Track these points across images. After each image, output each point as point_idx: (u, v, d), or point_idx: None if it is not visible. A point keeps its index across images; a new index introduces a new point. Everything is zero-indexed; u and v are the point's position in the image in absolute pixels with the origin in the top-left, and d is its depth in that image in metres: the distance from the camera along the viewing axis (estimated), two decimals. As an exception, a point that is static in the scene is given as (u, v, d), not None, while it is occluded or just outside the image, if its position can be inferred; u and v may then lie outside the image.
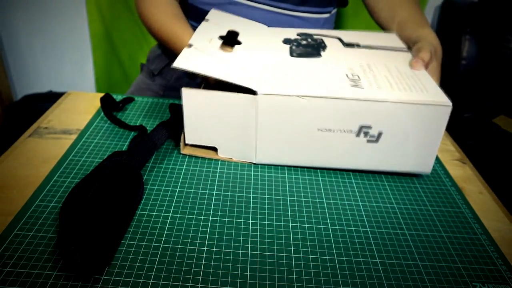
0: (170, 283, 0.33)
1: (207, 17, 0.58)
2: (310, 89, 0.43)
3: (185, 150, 0.49)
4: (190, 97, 0.44)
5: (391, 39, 0.60)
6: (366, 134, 0.45)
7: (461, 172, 0.52)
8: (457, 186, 0.49)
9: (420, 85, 0.46)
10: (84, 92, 0.60)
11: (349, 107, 0.43)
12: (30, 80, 1.55)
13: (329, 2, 0.70)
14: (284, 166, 0.49)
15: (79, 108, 0.57)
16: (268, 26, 0.60)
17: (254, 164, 0.49)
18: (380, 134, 0.45)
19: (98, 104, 0.58)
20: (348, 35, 0.60)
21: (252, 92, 0.43)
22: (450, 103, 0.43)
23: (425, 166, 0.48)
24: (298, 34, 0.59)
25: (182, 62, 0.44)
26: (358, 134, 0.45)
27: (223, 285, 0.33)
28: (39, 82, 1.55)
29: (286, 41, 0.56)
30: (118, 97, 0.58)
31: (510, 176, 1.07)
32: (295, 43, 0.55)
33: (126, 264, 0.34)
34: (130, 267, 0.34)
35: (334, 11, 0.74)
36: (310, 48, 0.54)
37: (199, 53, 0.46)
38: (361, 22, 1.29)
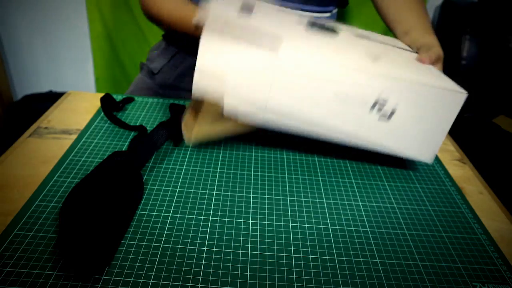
0: (170, 283, 0.33)
1: None
2: (332, 57, 0.43)
3: (194, 132, 0.47)
4: (210, 43, 0.42)
5: (397, 41, 0.60)
6: (379, 110, 0.45)
7: (461, 172, 0.52)
8: (457, 186, 0.49)
9: (435, 74, 0.47)
10: (84, 92, 0.60)
11: (369, 80, 0.43)
12: (30, 80, 1.55)
13: (330, 2, 0.70)
14: (289, 127, 0.46)
15: (79, 108, 0.57)
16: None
17: (260, 124, 0.46)
18: (392, 113, 0.45)
19: (98, 104, 0.58)
20: (355, 30, 0.60)
21: (273, 49, 0.42)
22: (465, 91, 0.44)
23: (428, 155, 0.48)
24: (308, 21, 0.58)
25: (210, 30, 0.43)
26: (372, 108, 0.44)
27: (223, 285, 0.33)
28: (39, 82, 1.55)
29: (298, 20, 0.55)
30: (118, 97, 0.58)
31: (510, 176, 1.07)
32: (310, 22, 0.55)
33: (126, 264, 0.34)
34: (130, 267, 0.34)
35: (335, 10, 0.74)
36: (324, 28, 0.53)
37: (222, 19, 0.45)
38: (361, 23, 1.29)
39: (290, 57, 0.42)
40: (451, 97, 0.44)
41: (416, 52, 0.55)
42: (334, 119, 0.46)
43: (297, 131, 0.47)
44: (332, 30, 0.54)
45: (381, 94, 0.44)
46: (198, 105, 0.46)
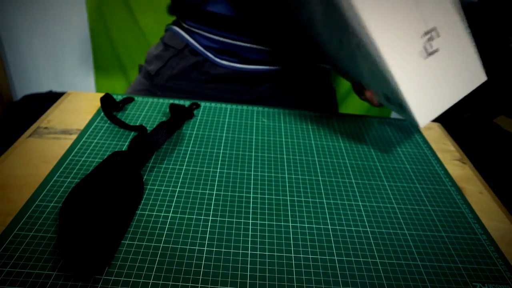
0: (170, 283, 0.33)
1: None
2: None
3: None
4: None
5: None
6: (429, 40, 0.43)
7: (461, 172, 0.52)
8: (457, 186, 0.49)
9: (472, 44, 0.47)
10: (84, 92, 0.60)
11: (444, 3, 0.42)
12: (30, 80, 1.55)
13: None
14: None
15: (79, 108, 0.57)
16: None
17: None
18: (434, 52, 0.43)
19: (98, 104, 0.58)
20: None
21: None
22: (486, 77, 0.45)
23: (424, 116, 0.45)
24: None
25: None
26: (425, 34, 0.42)
27: (223, 285, 0.33)
28: (39, 82, 1.55)
29: None
30: (118, 97, 0.58)
31: (510, 176, 1.07)
32: None
33: (126, 264, 0.34)
34: (130, 267, 0.34)
35: None
36: None
37: None
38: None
39: None
40: (477, 71, 0.45)
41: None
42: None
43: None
44: None
45: (441, 28, 0.42)
46: None
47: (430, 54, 0.43)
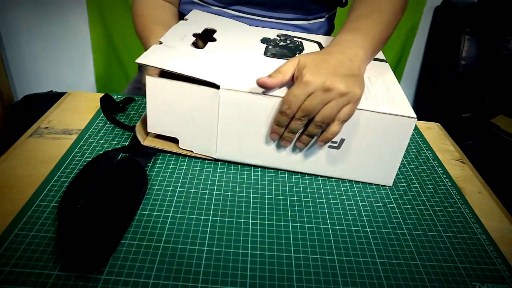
0: (170, 283, 0.33)
1: (186, 16, 0.57)
2: (275, 89, 0.42)
3: (146, 142, 0.48)
4: (154, 85, 0.44)
5: None
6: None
7: (461, 172, 0.52)
8: (457, 186, 0.49)
9: (389, 96, 0.45)
10: (84, 92, 0.61)
11: None
12: (30, 80, 1.55)
13: (320, 9, 0.69)
14: (244, 164, 0.48)
15: (80, 108, 0.57)
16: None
17: (214, 160, 0.48)
18: (342, 141, 0.44)
19: (98, 104, 0.58)
20: (328, 41, 0.59)
21: (216, 86, 0.42)
22: (415, 116, 0.42)
23: (386, 179, 0.47)
24: (278, 35, 0.58)
25: (146, 57, 0.43)
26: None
27: (223, 285, 0.33)
28: (39, 82, 1.55)
29: (264, 40, 0.56)
30: (118, 98, 0.58)
31: (509, 176, 1.07)
32: (272, 43, 0.55)
33: (126, 264, 0.34)
34: (130, 267, 0.34)
35: (328, 15, 0.74)
36: (286, 50, 0.53)
37: (166, 49, 0.46)
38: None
39: (229, 95, 0.42)
40: (400, 123, 0.43)
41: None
42: (285, 153, 0.46)
43: (249, 163, 0.48)
44: (294, 50, 0.53)
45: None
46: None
47: (341, 143, 0.45)
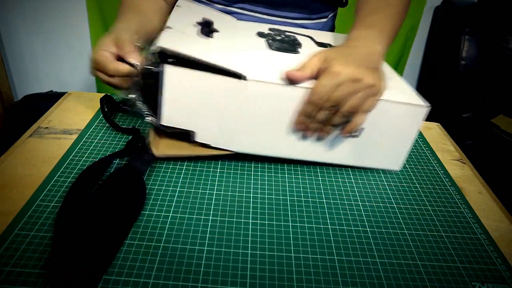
0: (170, 283, 0.33)
1: (178, 3, 0.56)
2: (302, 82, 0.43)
3: (159, 151, 0.46)
4: (173, 74, 0.41)
5: None
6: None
7: (461, 172, 0.52)
8: (457, 186, 0.49)
9: (398, 88, 0.47)
10: (84, 92, 0.61)
11: None
12: (30, 80, 1.55)
13: (324, 9, 0.70)
14: (261, 155, 0.48)
15: (80, 108, 0.57)
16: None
17: (232, 152, 0.47)
18: (362, 130, 0.46)
19: (98, 104, 0.58)
20: (319, 35, 0.60)
21: (241, 77, 0.42)
22: (426, 104, 0.45)
23: (396, 164, 0.50)
24: (270, 29, 0.59)
25: (168, 43, 0.41)
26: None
27: (223, 285, 0.33)
28: (39, 82, 1.55)
29: (260, 34, 0.56)
30: (118, 97, 0.58)
31: (509, 176, 1.07)
32: (270, 38, 0.55)
33: (126, 264, 0.34)
34: (130, 267, 0.34)
35: (331, 14, 0.74)
36: (286, 44, 0.54)
37: (181, 35, 0.44)
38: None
39: (256, 87, 0.42)
40: (413, 111, 0.45)
41: None
42: (305, 143, 0.46)
43: (268, 154, 0.48)
44: (293, 45, 0.54)
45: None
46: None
47: (361, 132, 0.46)
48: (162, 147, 0.46)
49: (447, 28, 1.38)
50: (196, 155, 0.47)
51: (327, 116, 0.42)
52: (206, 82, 0.42)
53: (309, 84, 0.42)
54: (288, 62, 0.47)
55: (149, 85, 0.43)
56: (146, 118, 0.45)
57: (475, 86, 1.33)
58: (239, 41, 0.51)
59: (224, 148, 0.47)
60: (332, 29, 0.75)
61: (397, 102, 0.44)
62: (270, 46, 0.52)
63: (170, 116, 0.44)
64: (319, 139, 0.46)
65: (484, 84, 1.33)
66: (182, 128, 0.45)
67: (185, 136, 0.46)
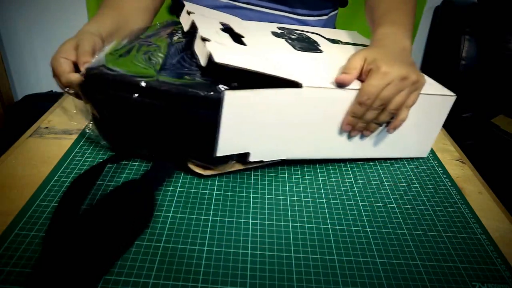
0: (170, 283, 0.33)
1: (188, 9, 0.53)
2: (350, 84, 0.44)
3: (206, 172, 0.44)
4: (233, 99, 0.37)
5: (357, 36, 0.63)
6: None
7: (461, 172, 0.52)
8: (457, 186, 0.49)
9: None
10: (84, 92, 0.60)
11: None
12: (30, 80, 1.55)
13: (325, 5, 0.70)
14: (312, 159, 0.49)
15: (80, 108, 0.57)
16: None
17: (285, 159, 0.46)
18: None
19: (98, 104, 0.57)
20: (324, 32, 0.61)
21: (295, 85, 0.40)
22: (454, 94, 0.48)
23: (423, 151, 0.53)
24: (279, 28, 0.59)
25: (223, 57, 0.38)
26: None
27: (223, 285, 0.33)
28: (39, 82, 1.55)
29: (275, 34, 0.56)
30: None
31: (509, 176, 1.07)
32: (287, 37, 0.55)
33: (126, 264, 0.34)
34: (130, 267, 0.34)
35: (333, 13, 0.74)
36: (305, 43, 0.54)
37: (224, 48, 0.42)
38: (362, 22, 1.29)
39: (311, 93, 0.41)
40: (442, 101, 0.48)
41: None
42: (349, 140, 0.48)
43: (314, 157, 0.49)
44: (312, 43, 0.55)
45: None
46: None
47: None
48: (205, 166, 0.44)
49: (447, 28, 1.38)
50: (241, 169, 0.46)
51: (375, 115, 0.44)
52: (262, 98, 0.39)
53: (357, 85, 0.43)
54: (320, 62, 0.48)
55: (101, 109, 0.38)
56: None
57: (475, 86, 1.33)
58: (266, 45, 0.51)
59: (275, 159, 0.46)
60: (333, 28, 0.76)
61: (430, 94, 0.46)
62: (294, 47, 0.52)
63: (225, 145, 0.41)
64: (362, 137, 0.47)
65: (484, 84, 1.33)
66: (236, 153, 0.43)
67: (230, 156, 0.44)
